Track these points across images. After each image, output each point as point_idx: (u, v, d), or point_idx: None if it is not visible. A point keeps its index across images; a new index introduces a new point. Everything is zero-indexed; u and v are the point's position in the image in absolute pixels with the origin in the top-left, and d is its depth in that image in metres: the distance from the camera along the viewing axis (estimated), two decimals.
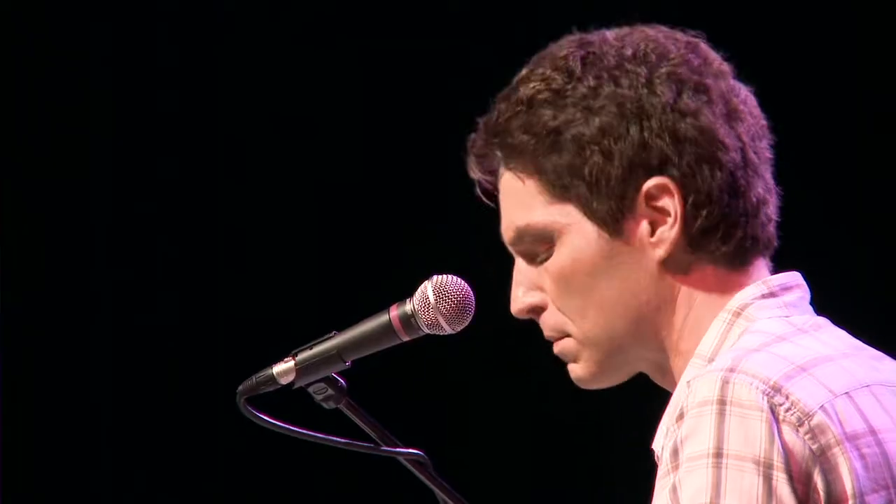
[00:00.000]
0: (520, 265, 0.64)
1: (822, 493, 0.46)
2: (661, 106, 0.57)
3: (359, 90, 2.77)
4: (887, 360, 0.59)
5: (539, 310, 0.63)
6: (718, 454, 0.46)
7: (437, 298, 0.81)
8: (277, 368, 0.87)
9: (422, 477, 0.92)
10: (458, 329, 0.82)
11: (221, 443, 2.73)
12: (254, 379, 0.89)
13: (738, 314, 0.59)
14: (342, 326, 0.89)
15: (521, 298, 0.63)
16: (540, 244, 0.60)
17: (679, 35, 0.63)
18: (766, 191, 0.61)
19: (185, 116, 2.80)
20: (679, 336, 0.59)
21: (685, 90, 0.58)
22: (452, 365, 2.60)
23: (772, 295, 0.60)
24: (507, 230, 0.63)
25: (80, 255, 2.80)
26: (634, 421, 1.88)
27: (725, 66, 0.63)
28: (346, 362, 0.86)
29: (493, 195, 0.65)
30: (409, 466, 0.92)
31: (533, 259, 0.62)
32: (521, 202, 0.61)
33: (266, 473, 2.72)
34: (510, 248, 0.65)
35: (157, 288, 2.83)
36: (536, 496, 2.75)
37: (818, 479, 0.46)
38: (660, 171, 0.57)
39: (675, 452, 0.49)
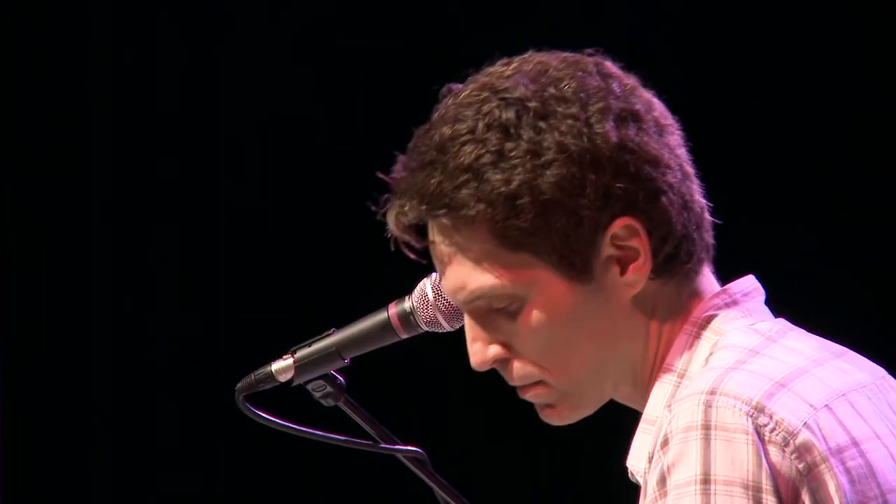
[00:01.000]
0: (472, 320, 0.61)
1: None
2: (608, 147, 0.55)
3: (357, 88, 2.77)
4: (849, 354, 0.60)
5: (504, 361, 0.61)
6: (706, 480, 0.46)
7: (435, 296, 0.81)
8: (276, 366, 0.87)
9: (420, 474, 0.92)
10: (457, 327, 0.79)
11: (221, 442, 2.74)
12: (252, 376, 0.89)
13: (703, 326, 0.59)
14: (342, 324, 0.89)
15: (483, 353, 0.61)
16: (499, 301, 0.59)
17: (582, 60, 0.61)
18: (700, 195, 0.62)
19: (185, 116, 2.81)
20: (654, 361, 0.60)
21: (621, 123, 0.57)
22: (452, 364, 2.59)
23: (734, 303, 0.61)
24: (459, 291, 0.60)
25: (78, 254, 2.81)
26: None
27: (632, 79, 0.62)
28: (344, 360, 0.87)
29: (417, 250, 0.62)
30: (408, 463, 0.92)
31: (487, 313, 0.60)
32: (476, 266, 0.58)
33: (265, 472, 2.72)
34: (459, 305, 0.63)
35: (156, 286, 2.83)
36: (535, 493, 2.75)
37: (806, 499, 0.46)
38: (622, 212, 0.56)
39: (663, 480, 0.49)
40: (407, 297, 0.84)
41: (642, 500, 0.53)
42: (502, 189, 0.55)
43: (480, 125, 0.56)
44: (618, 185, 0.55)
